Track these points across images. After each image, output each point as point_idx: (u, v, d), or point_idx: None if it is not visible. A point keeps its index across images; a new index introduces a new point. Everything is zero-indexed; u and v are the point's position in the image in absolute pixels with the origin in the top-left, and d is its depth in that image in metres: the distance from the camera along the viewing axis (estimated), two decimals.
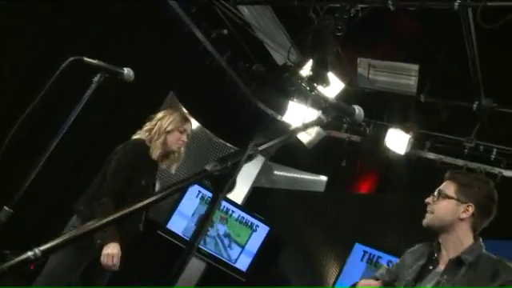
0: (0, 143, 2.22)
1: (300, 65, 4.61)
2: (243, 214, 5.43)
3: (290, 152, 5.79)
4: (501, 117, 4.56)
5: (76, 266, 2.99)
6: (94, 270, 3.04)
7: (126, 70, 2.45)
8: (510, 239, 4.75)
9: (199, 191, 5.32)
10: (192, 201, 5.29)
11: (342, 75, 4.84)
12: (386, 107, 5.24)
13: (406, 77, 4.83)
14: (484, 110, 4.44)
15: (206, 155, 5.65)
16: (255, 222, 5.43)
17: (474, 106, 4.52)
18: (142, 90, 5.03)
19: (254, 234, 5.41)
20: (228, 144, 5.74)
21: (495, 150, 4.81)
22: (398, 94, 4.99)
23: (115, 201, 2.90)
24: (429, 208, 2.17)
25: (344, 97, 4.98)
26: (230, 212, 5.42)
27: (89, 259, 3.00)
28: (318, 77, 4.04)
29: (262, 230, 5.41)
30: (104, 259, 2.80)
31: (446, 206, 2.12)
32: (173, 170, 3.42)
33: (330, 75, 4.44)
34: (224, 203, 5.40)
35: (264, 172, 5.88)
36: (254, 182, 5.67)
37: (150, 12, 4.67)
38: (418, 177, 5.17)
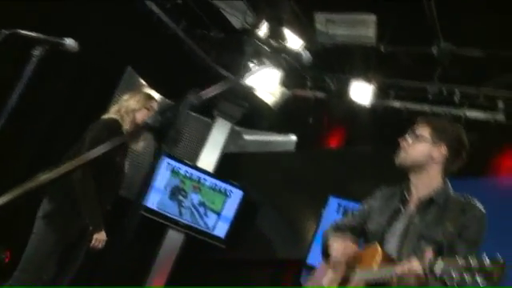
0: None
1: (256, 25, 4.56)
2: (216, 181, 5.42)
3: (256, 115, 5.77)
4: (461, 58, 4.59)
5: (53, 252, 3.10)
6: (69, 254, 3.24)
7: (68, 41, 2.34)
8: (471, 177, 4.88)
9: (168, 163, 5.28)
10: (163, 173, 5.25)
11: (300, 33, 4.78)
12: (347, 60, 5.22)
13: (364, 28, 4.79)
14: (444, 54, 4.45)
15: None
16: (228, 187, 5.42)
17: (434, 50, 4.53)
18: (99, 68, 4.91)
19: (229, 199, 5.41)
20: (193, 113, 5.68)
21: (458, 92, 4.86)
22: (358, 45, 4.96)
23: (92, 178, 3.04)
24: (403, 148, 2.25)
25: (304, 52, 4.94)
26: (202, 180, 5.39)
27: (63, 246, 3.14)
28: (275, 35, 3.99)
29: (236, 195, 5.41)
30: (95, 243, 3.21)
31: (421, 147, 2.20)
32: (140, 147, 3.50)
33: (288, 32, 4.39)
34: (195, 172, 5.38)
35: (232, 138, 5.84)
36: (223, 149, 5.63)
37: None
38: (385, 126, 5.21)
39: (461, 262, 1.67)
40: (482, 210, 2.14)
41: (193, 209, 5.36)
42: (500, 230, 4.31)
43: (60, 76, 4.42)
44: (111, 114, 3.32)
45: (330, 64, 5.33)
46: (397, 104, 5.28)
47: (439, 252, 1.99)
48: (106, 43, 4.81)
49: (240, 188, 5.45)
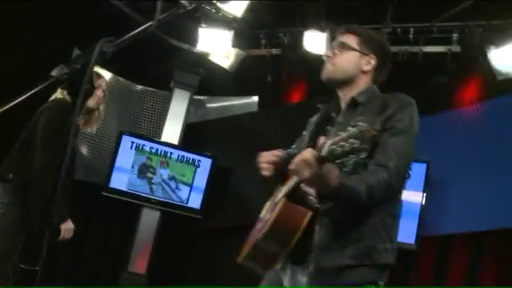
0: None
1: None
2: (183, 153, 5.34)
3: (214, 81, 5.66)
4: None
5: (14, 248, 2.92)
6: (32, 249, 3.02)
7: None
8: (439, 112, 4.91)
9: (132, 142, 5.18)
10: (128, 153, 5.15)
11: None
12: (298, 12, 5.13)
13: None
14: None
15: (129, 105, 5.47)
16: (196, 157, 5.35)
17: None
18: (45, 52, 4.76)
19: (198, 169, 5.34)
20: (149, 88, 5.55)
21: (412, 29, 4.83)
22: None
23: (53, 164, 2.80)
24: (329, 60, 2.05)
25: (253, 11, 4.83)
26: (169, 154, 5.31)
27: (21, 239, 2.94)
28: None
29: (206, 164, 5.34)
30: (65, 234, 2.97)
31: (349, 58, 2.04)
32: (94, 129, 3.33)
33: None
34: (160, 147, 5.29)
35: (193, 107, 5.74)
36: (186, 120, 5.52)
37: None
38: None
39: (342, 135, 1.57)
40: (409, 99, 1.97)
41: (164, 184, 5.28)
42: (468, 157, 4.41)
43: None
44: (59, 93, 3.00)
45: (281, 18, 5.23)
46: None
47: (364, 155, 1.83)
48: (51, 28, 4.68)
49: (208, 156, 5.38)
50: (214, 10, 4.92)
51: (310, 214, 1.80)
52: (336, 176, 1.68)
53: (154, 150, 5.27)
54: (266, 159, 2.03)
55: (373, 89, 2.06)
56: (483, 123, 4.48)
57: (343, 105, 2.06)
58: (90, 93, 2.92)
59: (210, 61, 5.34)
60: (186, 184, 5.32)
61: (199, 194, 5.32)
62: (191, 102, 5.58)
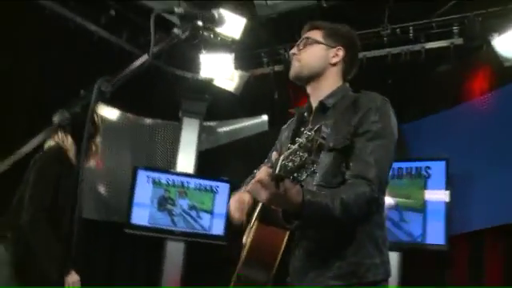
0: None
1: (193, 16, 4.44)
2: (199, 181, 5.33)
3: (221, 105, 5.67)
4: None
5: None
6: None
7: None
8: (451, 107, 4.85)
9: (148, 176, 5.19)
10: (145, 188, 5.16)
11: (239, 12, 4.68)
12: (294, 26, 5.12)
13: None
14: None
15: (140, 140, 5.50)
16: (214, 183, 5.34)
17: None
18: (50, 101, 4.79)
19: (217, 195, 5.33)
20: (159, 121, 5.58)
21: (411, 27, 4.81)
22: (300, 8, 4.88)
23: (47, 216, 2.64)
24: (295, 57, 1.96)
25: (251, 30, 4.85)
26: (186, 184, 5.31)
27: None
28: (210, 19, 3.85)
29: (224, 189, 5.32)
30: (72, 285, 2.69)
31: (315, 52, 1.93)
32: (93, 164, 2.98)
33: (226, 13, 4.28)
34: (177, 177, 5.30)
35: (205, 134, 5.76)
36: (198, 147, 5.53)
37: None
38: (353, 78, 5.14)
39: (292, 148, 1.40)
40: (382, 97, 1.83)
41: (184, 214, 5.27)
42: (487, 148, 4.33)
43: None
44: (52, 139, 2.74)
45: (278, 35, 5.25)
46: None
47: (336, 163, 1.73)
48: (58, 73, 4.72)
49: (225, 181, 5.37)
50: (212, 35, 4.95)
51: (287, 233, 1.68)
52: (297, 193, 1.51)
53: (170, 182, 5.27)
54: (234, 206, 1.97)
55: (343, 88, 1.94)
56: (497, 112, 4.40)
57: (313, 104, 1.94)
58: (93, 134, 2.76)
59: (214, 86, 5.37)
60: (206, 212, 5.31)
61: (221, 219, 5.29)
62: (202, 130, 5.60)
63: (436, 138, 4.80)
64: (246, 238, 1.93)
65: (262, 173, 1.49)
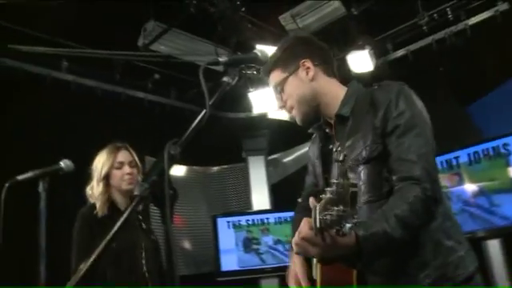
0: None
1: (238, 61, 4.55)
2: (278, 215, 5.34)
3: (281, 136, 5.70)
4: None
5: None
6: None
7: (63, 163, 2.39)
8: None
9: (228, 221, 5.25)
10: (227, 233, 5.22)
11: (274, 41, 4.75)
12: (330, 42, 5.13)
13: (328, 4, 4.73)
14: None
15: (212, 188, 5.60)
16: (292, 214, 5.31)
17: None
18: None
19: None
20: (225, 166, 5.68)
21: (448, 9, 4.69)
22: (333, 22, 4.89)
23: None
24: (286, 109, 1.84)
25: None
26: (266, 220, 5.33)
27: None
28: (254, 60, 3.92)
29: None
30: None
31: (293, 88, 1.78)
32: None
33: (263, 48, 4.36)
34: (255, 216, 5.33)
35: (272, 168, 5.79)
36: (269, 182, 5.57)
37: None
38: (398, 78, 5.06)
39: (323, 200, 1.26)
40: (396, 84, 1.66)
41: (272, 250, 5.27)
42: None
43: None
44: (89, 197, 2.80)
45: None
46: (401, 52, 5.16)
47: (378, 172, 1.57)
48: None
49: None
50: (255, 72, 5.03)
51: (354, 271, 1.54)
52: (347, 235, 1.30)
53: (250, 222, 5.31)
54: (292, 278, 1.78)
55: (353, 91, 1.76)
56: None
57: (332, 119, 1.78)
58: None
59: (270, 119, 5.42)
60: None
61: None
62: (268, 164, 5.65)
63: (506, 111, 4.60)
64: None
65: (304, 228, 1.36)
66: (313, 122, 1.85)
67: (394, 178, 1.54)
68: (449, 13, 4.70)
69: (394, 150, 1.56)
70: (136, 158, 2.87)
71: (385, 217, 1.43)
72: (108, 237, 1.23)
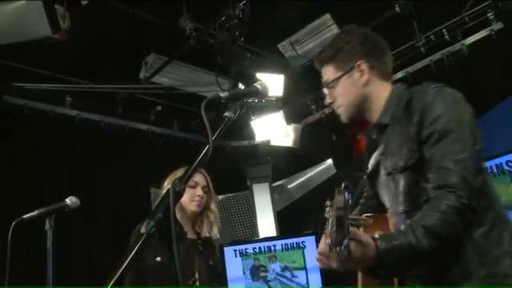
0: None
1: (234, 88, 4.60)
2: (285, 241, 5.30)
3: (285, 162, 5.72)
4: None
5: None
6: None
7: (69, 201, 2.40)
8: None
9: (234, 250, 5.21)
10: (234, 262, 5.17)
11: (273, 69, 4.80)
12: None
13: (326, 30, 4.80)
14: (404, 7, 4.39)
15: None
16: (299, 239, 5.29)
17: (397, 8, 4.47)
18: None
19: (306, 250, 5.25)
20: (230, 194, 5.68)
21: (444, 30, 4.75)
22: None
23: None
24: (334, 106, 1.83)
25: (289, 83, 4.94)
26: (273, 247, 5.28)
27: None
28: (255, 93, 3.95)
29: (311, 242, 5.25)
30: None
31: (344, 89, 1.77)
32: (214, 234, 2.85)
33: (263, 76, 4.41)
34: (262, 244, 5.29)
35: (277, 194, 5.79)
36: (274, 209, 5.56)
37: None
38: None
39: (328, 224, 1.26)
40: (431, 86, 1.61)
41: (280, 277, 5.21)
42: None
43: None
44: None
45: (318, 78, 5.30)
46: (399, 75, 5.20)
47: (415, 181, 1.54)
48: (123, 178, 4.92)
49: (310, 234, 5.31)
50: (256, 100, 5.07)
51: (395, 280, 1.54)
52: (368, 247, 1.33)
53: (257, 250, 5.28)
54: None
55: (394, 95, 1.73)
56: None
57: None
58: (180, 237, 2.62)
59: (273, 146, 5.44)
60: (300, 269, 5.23)
61: (316, 273, 5.19)
62: (273, 191, 5.65)
63: (507, 128, 4.61)
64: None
65: (321, 243, 1.41)
66: (357, 122, 1.84)
67: (430, 186, 1.49)
68: (445, 34, 4.75)
69: (430, 158, 1.51)
70: (211, 186, 2.88)
71: (412, 228, 1.39)
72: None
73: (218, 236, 2.90)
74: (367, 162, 1.86)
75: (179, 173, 2.79)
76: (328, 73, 1.83)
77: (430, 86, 1.63)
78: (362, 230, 1.66)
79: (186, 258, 2.74)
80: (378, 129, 1.74)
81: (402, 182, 1.60)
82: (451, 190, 1.42)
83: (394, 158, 1.63)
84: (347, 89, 1.77)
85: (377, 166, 1.76)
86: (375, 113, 1.76)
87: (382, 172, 1.73)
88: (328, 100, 1.86)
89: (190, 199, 2.76)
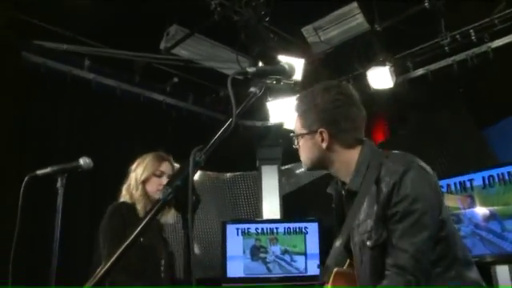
0: None
1: (266, 72, 4.57)
2: (288, 225, 5.33)
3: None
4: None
5: None
6: None
7: (82, 161, 2.41)
8: None
9: (237, 228, 5.25)
10: (236, 240, 5.22)
11: (296, 53, 4.76)
12: (352, 56, 5.14)
13: (351, 18, 4.74)
14: (434, 4, 4.32)
15: (223, 195, 5.60)
16: (302, 225, 5.31)
17: (426, 4, 4.41)
18: None
19: (308, 236, 5.28)
20: (238, 173, 5.69)
21: (471, 30, 4.68)
22: (355, 37, 4.89)
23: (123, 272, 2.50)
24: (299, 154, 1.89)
25: (310, 69, 4.90)
26: (275, 230, 5.32)
27: None
28: (282, 72, 3.92)
29: (313, 229, 5.28)
30: None
31: (306, 147, 1.81)
32: (169, 219, 2.83)
33: (284, 58, 4.37)
34: (265, 225, 5.33)
35: (285, 178, 5.79)
36: (281, 192, 5.57)
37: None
38: (423, 98, 5.05)
39: None
40: (401, 163, 1.63)
41: (279, 260, 5.26)
42: None
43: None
44: (122, 196, 2.84)
45: (337, 67, 5.27)
46: (420, 71, 5.16)
47: (381, 255, 1.60)
48: (133, 148, 4.93)
49: (313, 221, 5.33)
50: (274, 82, 5.04)
51: None
52: None
53: (259, 231, 5.31)
54: None
55: (365, 155, 1.73)
56: None
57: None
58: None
59: (286, 129, 5.42)
60: (300, 254, 5.27)
61: (315, 259, 5.23)
62: (281, 174, 5.65)
63: None
64: None
65: None
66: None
67: (387, 261, 1.58)
68: (472, 34, 4.68)
69: (390, 236, 1.58)
70: None
71: None
72: (135, 232, 1.24)
73: (171, 221, 2.85)
74: (338, 218, 1.88)
75: (148, 158, 2.85)
76: (297, 123, 1.88)
77: (401, 158, 1.67)
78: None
79: (153, 237, 2.76)
80: (348, 193, 1.74)
81: (368, 256, 1.67)
82: (399, 272, 1.53)
83: (363, 236, 1.68)
84: (309, 147, 1.81)
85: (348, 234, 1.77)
86: (340, 174, 1.78)
87: (353, 239, 1.79)
88: (294, 145, 1.90)
89: (157, 187, 2.75)
